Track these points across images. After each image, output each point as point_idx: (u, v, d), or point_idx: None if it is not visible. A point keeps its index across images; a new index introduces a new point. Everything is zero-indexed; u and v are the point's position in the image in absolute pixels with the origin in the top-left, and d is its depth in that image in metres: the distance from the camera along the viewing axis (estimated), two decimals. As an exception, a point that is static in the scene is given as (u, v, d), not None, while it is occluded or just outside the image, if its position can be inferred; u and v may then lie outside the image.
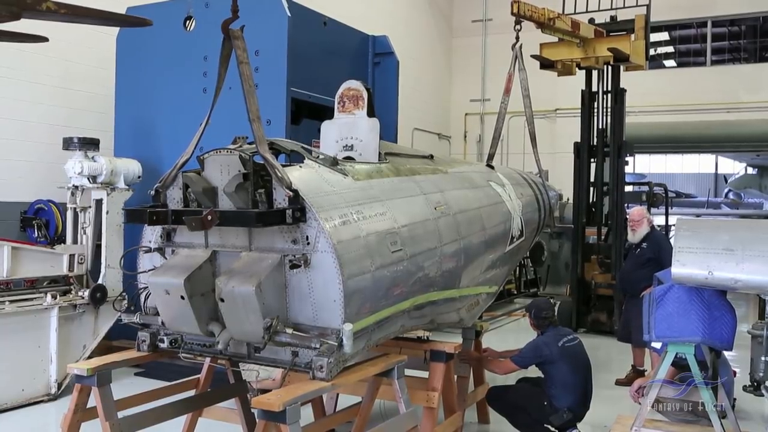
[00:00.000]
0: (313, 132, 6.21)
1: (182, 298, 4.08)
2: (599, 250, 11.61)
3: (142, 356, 4.67)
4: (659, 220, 14.45)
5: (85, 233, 7.89)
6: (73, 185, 7.88)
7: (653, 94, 16.94)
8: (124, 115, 8.96)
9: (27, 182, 8.77)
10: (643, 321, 4.87)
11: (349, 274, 3.98)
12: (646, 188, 12.95)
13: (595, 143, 11.76)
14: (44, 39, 3.97)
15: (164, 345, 4.43)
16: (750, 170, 34.85)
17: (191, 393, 5.37)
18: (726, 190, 32.78)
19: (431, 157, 5.97)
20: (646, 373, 7.72)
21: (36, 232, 8.27)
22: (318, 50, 8.32)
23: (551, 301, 6.67)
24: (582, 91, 11.88)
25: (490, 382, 6.63)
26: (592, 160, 11.82)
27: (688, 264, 4.48)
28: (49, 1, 2.92)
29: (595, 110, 11.83)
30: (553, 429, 5.82)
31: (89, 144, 7.87)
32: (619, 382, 8.33)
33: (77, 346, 7.55)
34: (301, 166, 4.47)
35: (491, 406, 6.32)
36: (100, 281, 7.72)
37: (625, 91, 11.63)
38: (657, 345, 4.97)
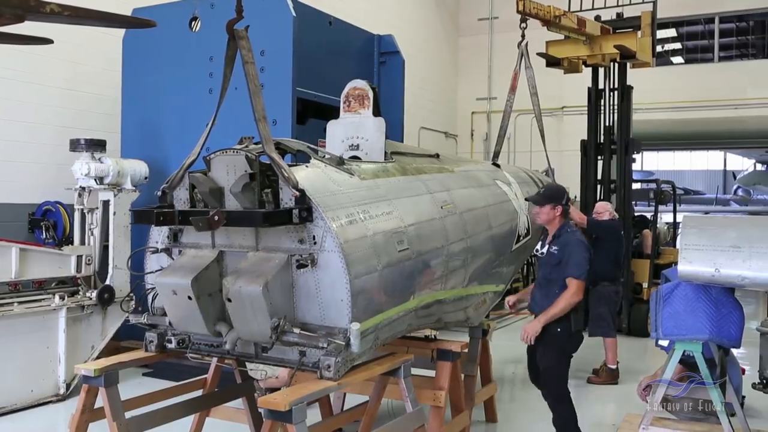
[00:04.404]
0: (319, 132, 6.20)
1: (189, 298, 4.08)
2: (606, 248, 11.57)
3: (149, 356, 4.67)
4: (668, 218, 14.42)
5: (92, 234, 7.91)
6: (81, 186, 7.90)
7: (660, 91, 16.82)
8: (130, 116, 8.98)
9: (35, 184, 8.79)
10: (651, 319, 4.85)
11: (356, 274, 3.97)
12: (653, 185, 12.87)
13: (602, 141, 11.70)
14: (49, 41, 3.97)
15: (172, 345, 4.45)
16: (759, 167, 34.69)
17: (199, 393, 5.38)
18: (735, 187, 32.63)
19: (437, 155, 5.97)
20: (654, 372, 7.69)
21: (44, 234, 8.29)
22: (323, 50, 8.32)
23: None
24: (588, 88, 11.83)
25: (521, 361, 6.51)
26: (599, 157, 11.76)
27: (695, 261, 4.47)
28: (53, 3, 2.92)
29: (602, 108, 11.77)
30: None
31: (96, 145, 7.89)
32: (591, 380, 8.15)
33: (85, 346, 7.57)
34: (307, 166, 4.46)
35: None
36: (107, 282, 7.75)
37: (632, 88, 11.56)
38: (664, 343, 4.96)
